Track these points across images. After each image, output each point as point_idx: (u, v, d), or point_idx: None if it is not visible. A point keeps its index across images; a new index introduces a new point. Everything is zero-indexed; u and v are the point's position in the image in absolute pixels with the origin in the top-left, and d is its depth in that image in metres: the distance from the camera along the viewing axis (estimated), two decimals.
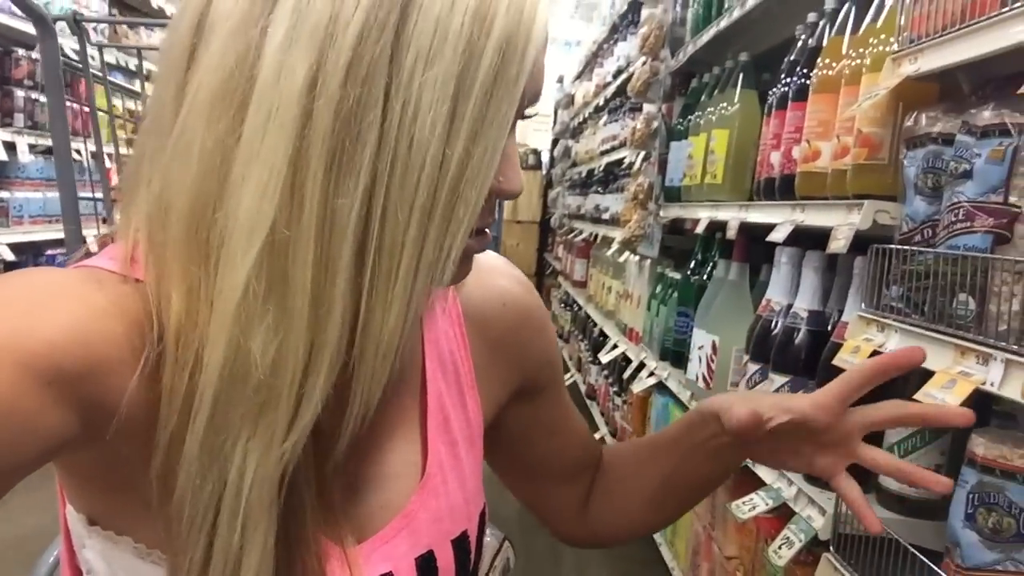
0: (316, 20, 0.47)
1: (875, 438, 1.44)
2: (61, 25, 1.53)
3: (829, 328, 1.62)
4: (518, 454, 0.84)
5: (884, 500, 1.43)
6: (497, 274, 0.78)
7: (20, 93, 3.68)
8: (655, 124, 2.89)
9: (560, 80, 7.46)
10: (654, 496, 0.85)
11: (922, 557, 1.13)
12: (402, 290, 0.50)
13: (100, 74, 1.66)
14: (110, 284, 0.52)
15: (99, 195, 2.00)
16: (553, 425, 0.85)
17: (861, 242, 1.39)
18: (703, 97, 2.54)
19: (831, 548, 1.40)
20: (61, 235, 3.90)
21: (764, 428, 0.71)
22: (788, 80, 1.78)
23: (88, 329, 0.49)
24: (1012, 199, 1.04)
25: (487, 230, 0.60)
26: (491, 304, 0.76)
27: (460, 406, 0.72)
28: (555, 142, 7.44)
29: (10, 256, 3.40)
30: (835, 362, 1.35)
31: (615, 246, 3.28)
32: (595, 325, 4.25)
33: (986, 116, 1.07)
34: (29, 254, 3.79)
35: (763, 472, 1.73)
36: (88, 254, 0.57)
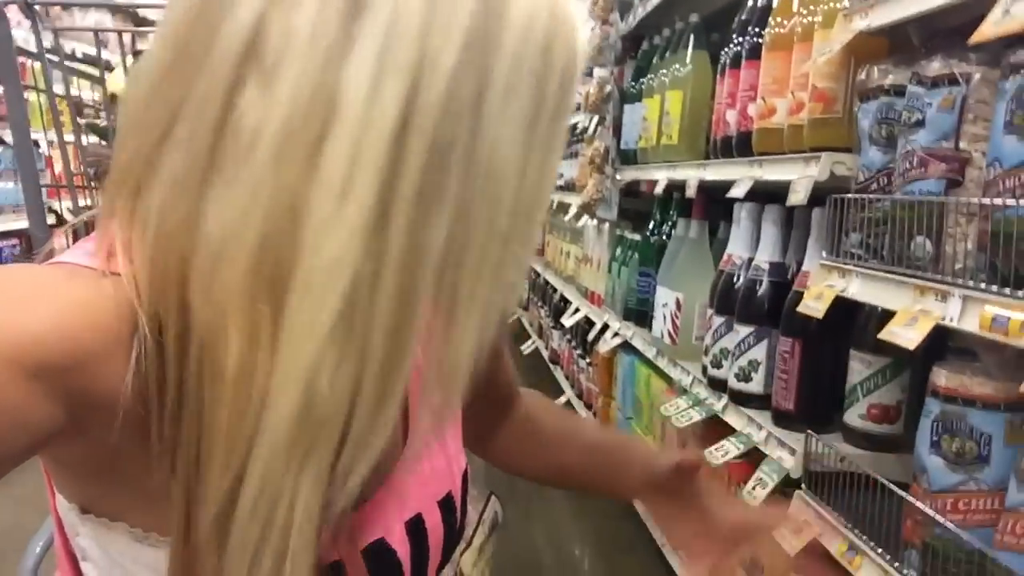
0: (407, 57, 0.47)
1: (840, 374, 1.52)
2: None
3: (790, 278, 1.70)
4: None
5: (850, 437, 1.51)
6: None
7: None
8: (608, 88, 2.93)
9: None
10: (556, 470, 0.97)
11: (891, 486, 1.21)
12: (480, 315, 0.53)
13: (56, 58, 1.62)
14: (91, 279, 0.52)
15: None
16: (494, 368, 0.89)
17: (818, 195, 1.45)
18: (655, 59, 2.58)
19: (803, 486, 1.48)
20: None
21: (695, 473, 0.87)
22: (740, 39, 1.83)
23: (73, 322, 0.49)
24: (963, 145, 1.10)
25: None
26: None
27: None
28: None
29: None
30: (800, 309, 1.42)
31: (573, 211, 3.33)
32: (555, 291, 4.30)
33: (935, 67, 1.13)
34: None
35: (732, 419, 1.81)
36: (52, 252, 0.57)
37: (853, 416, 1.49)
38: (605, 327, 3.02)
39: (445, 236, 0.50)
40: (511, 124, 0.51)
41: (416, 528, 0.68)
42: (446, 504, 0.72)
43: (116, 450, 0.53)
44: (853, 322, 1.47)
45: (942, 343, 1.23)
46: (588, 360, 3.49)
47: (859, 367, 1.47)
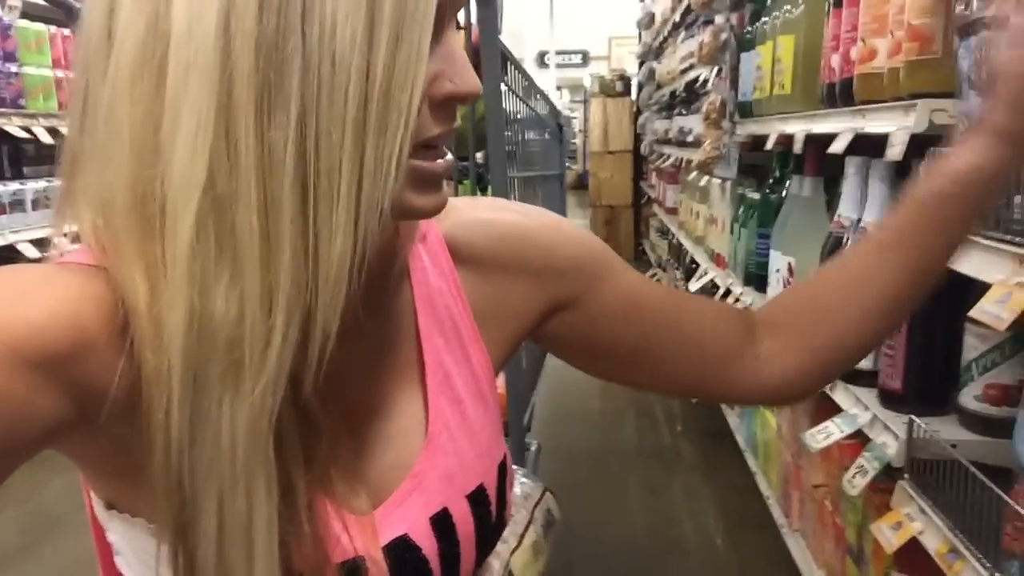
0: None
1: (951, 354, 1.34)
2: None
3: None
4: (607, 349, 0.77)
5: (965, 421, 1.34)
6: (480, 209, 0.75)
7: None
8: (723, 36, 2.73)
9: None
10: (885, 300, 0.76)
11: (990, 483, 1.05)
12: (345, 212, 0.49)
13: None
14: (88, 273, 0.52)
15: None
16: (626, 308, 0.76)
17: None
18: (768, 1, 2.37)
19: (905, 476, 1.33)
20: None
21: None
22: None
23: (72, 310, 0.50)
24: None
25: (444, 148, 0.57)
26: (475, 236, 0.73)
27: (463, 361, 0.71)
28: (641, 64, 7.19)
29: None
30: None
31: (692, 170, 3.16)
32: (687, 253, 4.14)
33: None
34: None
35: (840, 398, 1.65)
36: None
37: (968, 397, 1.32)
38: (728, 292, 2.86)
39: (294, 133, 0.48)
40: (345, 2, 0.47)
41: (443, 523, 0.66)
42: (477, 497, 0.69)
43: (125, 444, 0.53)
44: (967, 291, 1.28)
45: None
46: None
47: (974, 342, 1.29)
